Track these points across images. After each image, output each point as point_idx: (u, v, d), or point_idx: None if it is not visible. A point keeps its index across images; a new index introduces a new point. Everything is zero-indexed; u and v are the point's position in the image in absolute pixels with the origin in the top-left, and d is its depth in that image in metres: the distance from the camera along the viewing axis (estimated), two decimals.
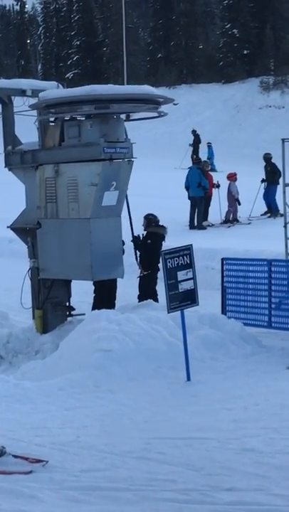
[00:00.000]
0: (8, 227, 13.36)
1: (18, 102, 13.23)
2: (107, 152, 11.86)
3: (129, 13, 63.58)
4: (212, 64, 57.34)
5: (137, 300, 13.23)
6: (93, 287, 13.23)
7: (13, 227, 13.28)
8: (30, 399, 9.51)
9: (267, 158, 23.82)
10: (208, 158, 32.75)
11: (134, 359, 10.58)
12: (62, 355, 11.09)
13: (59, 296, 12.99)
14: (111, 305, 12.81)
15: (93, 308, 12.66)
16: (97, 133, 11.87)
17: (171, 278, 10.34)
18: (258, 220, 22.90)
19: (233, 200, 22.94)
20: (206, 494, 6.44)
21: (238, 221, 22.87)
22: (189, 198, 22.35)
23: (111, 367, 10.41)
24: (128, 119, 13.00)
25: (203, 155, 33.90)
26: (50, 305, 12.87)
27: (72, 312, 13.10)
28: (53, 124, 12.61)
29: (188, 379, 10.31)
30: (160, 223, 13.75)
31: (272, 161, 23.10)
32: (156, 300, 13.02)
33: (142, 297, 13.28)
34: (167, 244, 12.91)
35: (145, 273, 13.36)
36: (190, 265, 10.52)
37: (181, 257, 10.47)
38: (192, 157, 31.60)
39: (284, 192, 14.72)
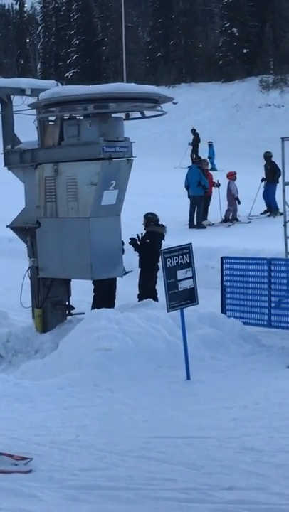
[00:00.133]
0: (7, 226, 13.34)
1: (17, 101, 13.23)
2: (106, 151, 11.85)
3: (129, 12, 63.60)
4: (211, 63, 57.40)
5: (137, 299, 13.23)
6: (93, 286, 13.22)
7: (13, 227, 13.26)
8: (29, 398, 9.51)
9: (267, 156, 23.81)
10: (208, 158, 32.79)
11: (134, 358, 10.57)
12: (62, 355, 11.08)
13: (58, 296, 12.98)
14: (111, 304, 12.80)
15: (93, 308, 12.66)
16: (96, 132, 11.86)
17: (170, 277, 10.34)
18: (257, 219, 22.90)
19: (233, 199, 22.94)
20: (206, 493, 6.44)
21: (237, 220, 22.86)
22: (189, 197, 22.34)
23: (110, 366, 10.40)
24: (127, 118, 12.99)
25: (203, 154, 33.90)
26: (50, 304, 12.87)
27: (72, 311, 13.09)
28: (52, 123, 12.60)
29: (188, 378, 10.31)
30: (160, 222, 13.74)
31: (273, 159, 23.11)
32: (155, 299, 13.02)
33: (141, 296, 13.27)
34: (167, 243, 12.90)
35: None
36: (190, 264, 10.51)
37: (180, 256, 10.46)
38: (192, 156, 31.63)
39: (284, 191, 14.72)
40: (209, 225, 22.42)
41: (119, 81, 46.55)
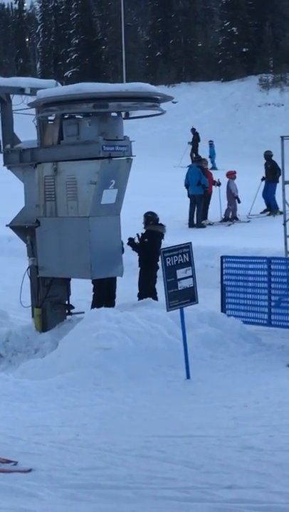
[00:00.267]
0: (7, 225, 13.34)
1: (16, 100, 13.23)
2: (105, 150, 11.83)
3: (128, 11, 63.59)
4: (211, 62, 57.41)
5: (137, 298, 13.23)
6: (92, 285, 13.21)
7: (12, 226, 13.26)
8: (29, 397, 9.50)
9: (267, 156, 23.79)
10: (209, 157, 32.78)
11: (134, 357, 10.57)
12: (62, 354, 11.08)
13: (58, 295, 12.98)
14: (110, 303, 12.80)
15: (92, 307, 12.66)
16: (95, 131, 11.85)
17: (170, 276, 10.33)
18: (257, 218, 22.90)
19: (233, 198, 22.94)
20: (206, 492, 6.44)
21: (237, 219, 22.86)
22: (189, 196, 22.34)
23: (110, 365, 10.40)
24: (127, 117, 12.97)
25: (204, 153, 33.89)
26: (50, 303, 12.87)
27: (72, 310, 13.09)
28: (51, 122, 12.59)
29: (188, 377, 10.31)
30: (159, 221, 13.74)
31: (273, 158, 23.10)
32: (155, 298, 13.03)
33: (141, 295, 13.27)
34: (166, 242, 12.89)
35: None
36: (189, 263, 10.51)
37: (180, 255, 10.46)
38: (191, 155, 31.61)
39: (283, 190, 14.71)
40: (209, 224, 22.43)
41: (119, 80, 46.59)
